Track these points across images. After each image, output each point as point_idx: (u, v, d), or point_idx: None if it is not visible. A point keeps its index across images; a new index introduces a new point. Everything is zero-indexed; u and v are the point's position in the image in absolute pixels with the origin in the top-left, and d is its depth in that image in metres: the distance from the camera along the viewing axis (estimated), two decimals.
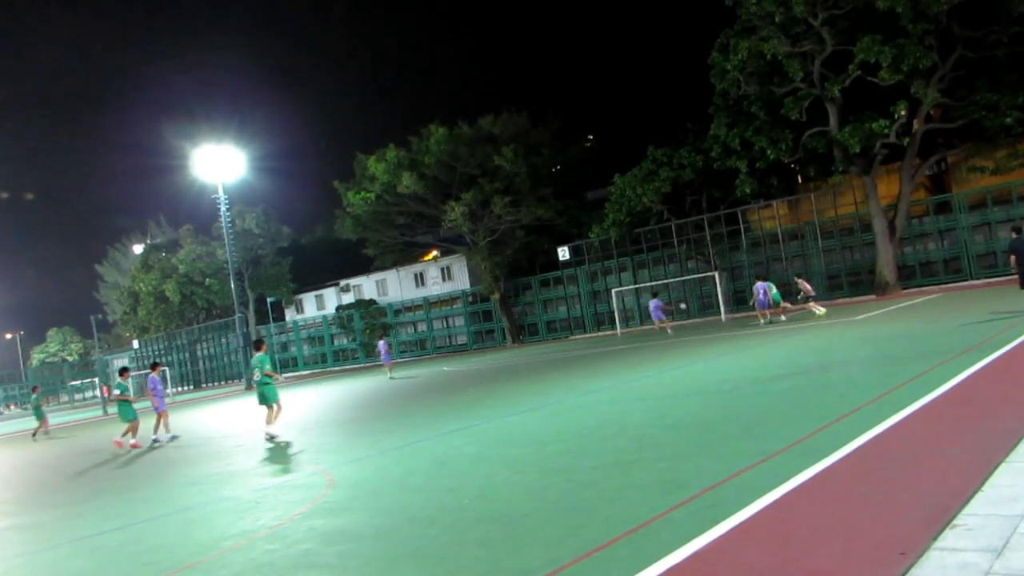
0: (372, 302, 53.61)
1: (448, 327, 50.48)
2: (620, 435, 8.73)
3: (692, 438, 7.99)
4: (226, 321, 59.46)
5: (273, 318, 55.90)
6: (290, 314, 59.94)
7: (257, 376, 13.41)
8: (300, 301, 59.82)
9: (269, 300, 51.23)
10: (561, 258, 42.56)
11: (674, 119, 42.59)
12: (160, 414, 15.97)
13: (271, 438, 13.06)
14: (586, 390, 13.54)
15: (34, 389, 26.22)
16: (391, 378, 25.85)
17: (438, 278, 51.19)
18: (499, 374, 20.34)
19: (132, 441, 15.01)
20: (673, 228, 39.15)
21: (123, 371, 16.07)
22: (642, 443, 8.10)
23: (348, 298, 56.17)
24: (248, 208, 54.20)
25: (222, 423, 19.84)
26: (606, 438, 8.68)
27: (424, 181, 41.87)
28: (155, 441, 15.40)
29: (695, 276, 38.31)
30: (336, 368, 53.06)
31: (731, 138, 33.25)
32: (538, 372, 18.92)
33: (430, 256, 53.74)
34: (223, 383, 59.00)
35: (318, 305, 58.66)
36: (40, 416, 25.58)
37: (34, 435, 25.01)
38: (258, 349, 13.45)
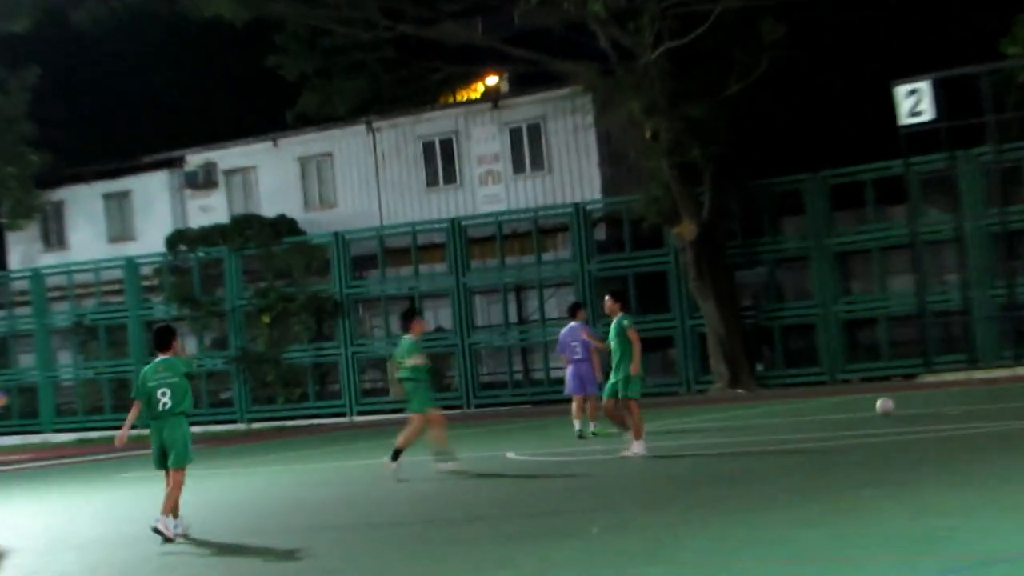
0: (287, 225, 37.76)
1: (526, 315, 34.85)
2: None
3: None
4: None
5: None
6: (26, 252, 44.32)
7: (402, 369, 15.77)
8: (60, 212, 42.74)
9: None
10: (906, 119, 29.43)
11: None
12: None
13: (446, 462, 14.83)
14: None
15: None
16: (594, 434, 20.25)
17: (498, 160, 37.18)
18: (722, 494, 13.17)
19: None
20: None
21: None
22: None
23: (206, 208, 40.84)
24: None
25: None
26: None
27: None
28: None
29: None
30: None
31: None
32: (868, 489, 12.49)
33: (475, 90, 42.83)
34: None
35: (114, 227, 42.11)
36: None
37: None
38: (407, 329, 16.05)
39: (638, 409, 16.13)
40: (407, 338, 15.42)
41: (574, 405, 18.76)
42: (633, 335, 16.13)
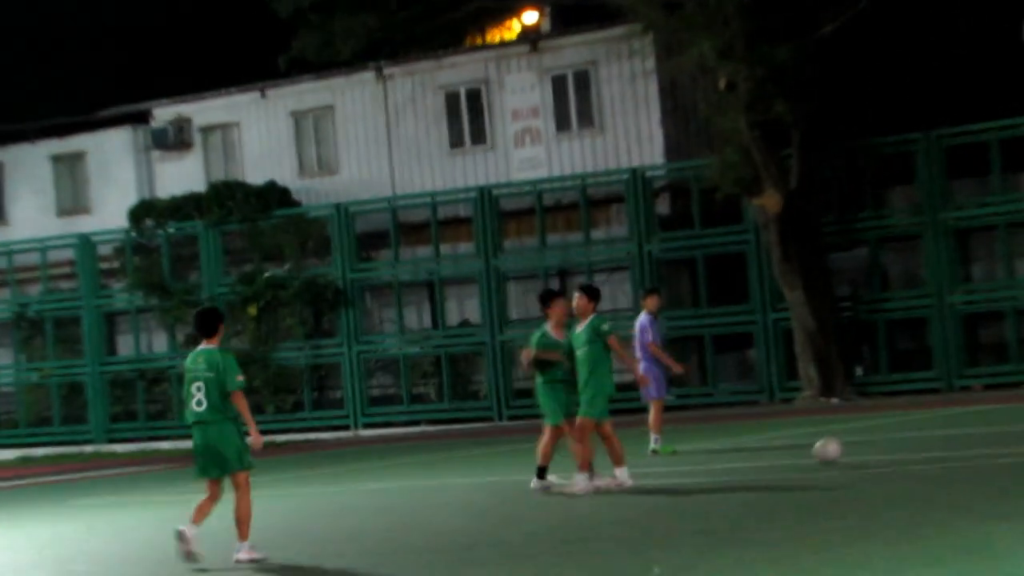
0: (277, 195, 38.90)
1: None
2: None
3: None
4: None
5: None
6: None
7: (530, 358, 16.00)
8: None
9: None
10: None
11: None
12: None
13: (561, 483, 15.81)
14: None
15: None
16: (653, 451, 21.72)
17: (537, 116, 38.30)
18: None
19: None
20: None
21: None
22: None
23: (178, 176, 41.75)
24: None
25: None
26: None
27: None
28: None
29: None
30: (123, 447, 37.77)
31: None
32: None
33: (510, 28, 44.62)
34: None
35: (64, 197, 44.08)
36: None
37: None
38: (548, 307, 16.07)
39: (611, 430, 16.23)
40: (545, 327, 15.58)
41: (652, 413, 19.29)
42: (615, 343, 16.39)
